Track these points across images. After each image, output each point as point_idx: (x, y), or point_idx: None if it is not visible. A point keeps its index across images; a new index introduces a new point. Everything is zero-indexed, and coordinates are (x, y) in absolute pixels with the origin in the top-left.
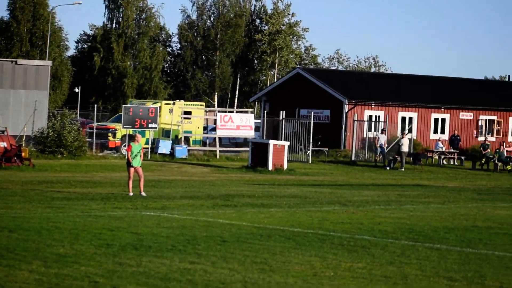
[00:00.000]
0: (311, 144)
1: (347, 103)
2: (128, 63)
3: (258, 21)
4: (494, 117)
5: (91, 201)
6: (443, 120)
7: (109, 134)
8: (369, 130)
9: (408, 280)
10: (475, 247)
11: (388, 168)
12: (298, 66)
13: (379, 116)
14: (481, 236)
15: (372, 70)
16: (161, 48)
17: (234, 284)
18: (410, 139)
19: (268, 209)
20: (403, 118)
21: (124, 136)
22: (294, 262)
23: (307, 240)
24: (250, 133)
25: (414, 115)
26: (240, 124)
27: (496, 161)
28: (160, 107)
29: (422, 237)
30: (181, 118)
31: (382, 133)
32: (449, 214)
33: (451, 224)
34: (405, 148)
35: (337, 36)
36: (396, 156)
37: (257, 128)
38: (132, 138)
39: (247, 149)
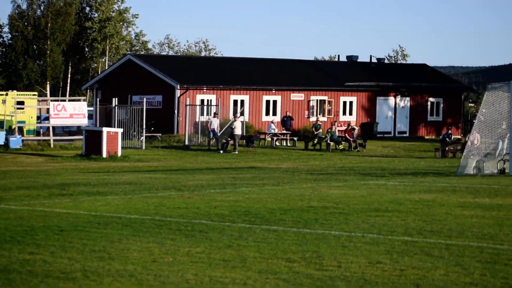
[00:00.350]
0: (144, 130)
1: (178, 88)
2: None
3: (88, 8)
4: (325, 97)
5: None
6: (275, 102)
7: None
8: (202, 114)
9: (247, 262)
10: (312, 227)
11: (221, 151)
12: (129, 52)
13: (211, 100)
14: (317, 216)
15: (203, 54)
16: None
17: (74, 273)
18: (242, 122)
19: (104, 196)
20: (235, 101)
21: None
22: (132, 249)
23: (144, 226)
24: (83, 121)
25: (245, 98)
26: (73, 112)
27: (328, 141)
28: None
29: (259, 219)
30: (14, 108)
31: (214, 116)
32: (284, 196)
33: (286, 206)
34: (237, 131)
35: (167, 21)
36: (229, 139)
37: (90, 116)
38: None
39: (81, 137)
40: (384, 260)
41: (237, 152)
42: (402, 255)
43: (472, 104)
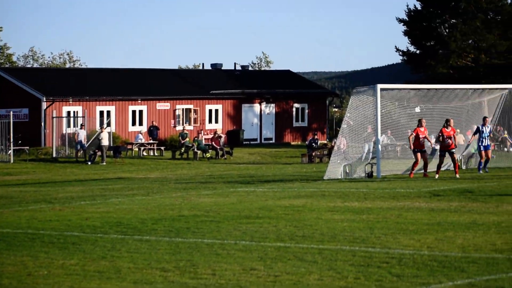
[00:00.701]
0: (11, 143)
1: (45, 100)
2: None
3: None
4: (190, 106)
5: None
6: (141, 112)
7: None
8: (68, 126)
9: (122, 273)
10: (184, 236)
11: (89, 163)
12: None
13: (77, 112)
14: (188, 225)
15: (67, 65)
16: None
17: None
18: (109, 133)
19: None
20: (101, 112)
21: None
22: (7, 263)
23: (17, 240)
24: None
25: (111, 108)
26: None
27: (196, 149)
28: None
29: (131, 229)
30: None
31: (81, 128)
32: (154, 205)
33: (157, 215)
34: (105, 142)
35: (31, 33)
36: (97, 151)
37: None
38: None
39: None
40: (258, 266)
41: (105, 163)
42: (275, 261)
43: (336, 109)
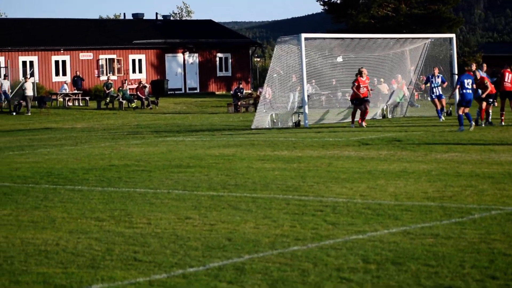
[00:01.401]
0: None
1: None
2: None
3: None
4: (114, 56)
5: None
6: (64, 62)
7: None
8: None
9: (56, 223)
10: (116, 185)
11: (14, 113)
12: None
13: (0, 62)
14: (120, 175)
15: None
16: None
17: None
18: (33, 83)
19: None
20: (24, 63)
21: None
22: None
23: None
24: None
25: (34, 58)
26: None
27: (121, 99)
28: None
29: (62, 179)
30: None
31: (4, 78)
32: (84, 155)
33: (88, 165)
34: (29, 92)
35: None
36: (21, 101)
37: None
38: None
39: None
40: (193, 215)
41: (30, 114)
42: (210, 210)
43: (258, 59)
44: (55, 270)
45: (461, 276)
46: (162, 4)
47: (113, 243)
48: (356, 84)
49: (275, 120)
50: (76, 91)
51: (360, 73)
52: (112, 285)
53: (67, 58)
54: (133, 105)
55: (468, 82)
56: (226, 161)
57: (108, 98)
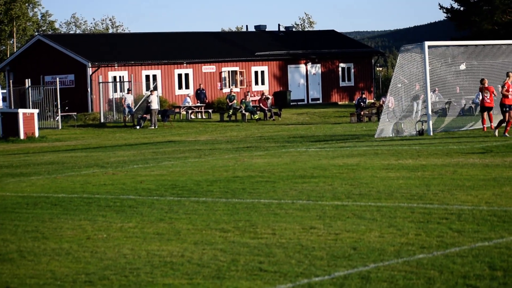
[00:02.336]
0: (59, 109)
1: (90, 66)
2: None
3: None
4: (236, 68)
5: None
6: (187, 75)
7: None
8: (115, 91)
9: (181, 235)
10: (240, 197)
11: (138, 127)
12: (37, 33)
13: (123, 77)
14: (244, 186)
15: (110, 31)
16: None
17: (11, 254)
18: (158, 96)
19: (29, 177)
20: (147, 77)
21: None
22: (65, 227)
23: (73, 204)
24: None
25: (157, 72)
26: None
27: (244, 111)
28: None
29: (186, 191)
30: None
31: (128, 93)
32: (208, 167)
33: (212, 177)
34: (154, 105)
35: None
36: (145, 115)
37: (4, 99)
38: None
39: None
40: (317, 225)
41: (156, 127)
42: (334, 220)
43: (380, 68)
44: (181, 281)
45: None
46: (284, 16)
47: (238, 254)
48: (506, 87)
49: (398, 129)
50: (199, 104)
51: (508, 76)
52: None
53: (190, 71)
54: (256, 116)
55: None
56: (350, 170)
57: (231, 110)
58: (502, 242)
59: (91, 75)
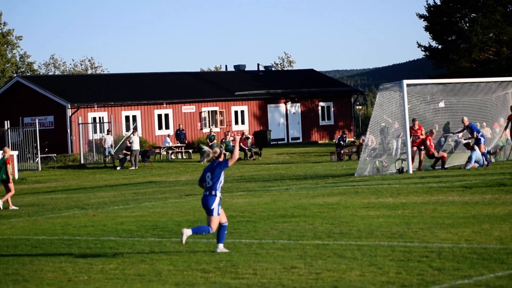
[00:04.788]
0: (39, 151)
1: (69, 107)
2: None
3: None
4: (216, 108)
5: None
6: (167, 115)
7: None
8: (95, 132)
9: (162, 276)
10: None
11: (119, 168)
12: (16, 74)
13: (103, 117)
14: None
15: (89, 72)
16: None
17: None
18: (138, 137)
19: (8, 220)
20: (127, 117)
21: None
22: (46, 270)
23: (54, 246)
24: None
25: (137, 113)
26: None
27: (224, 151)
28: None
29: (167, 232)
30: None
31: (108, 133)
32: (188, 208)
33: (193, 217)
34: (136, 146)
35: (51, 41)
36: (126, 153)
37: None
38: None
39: None
40: (298, 264)
41: (137, 168)
42: (315, 259)
43: (360, 107)
44: None
45: None
46: (263, 55)
47: None
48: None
49: (378, 167)
50: (179, 144)
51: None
52: None
53: (169, 111)
54: None
55: None
56: (330, 209)
57: None
58: (482, 279)
59: (70, 116)
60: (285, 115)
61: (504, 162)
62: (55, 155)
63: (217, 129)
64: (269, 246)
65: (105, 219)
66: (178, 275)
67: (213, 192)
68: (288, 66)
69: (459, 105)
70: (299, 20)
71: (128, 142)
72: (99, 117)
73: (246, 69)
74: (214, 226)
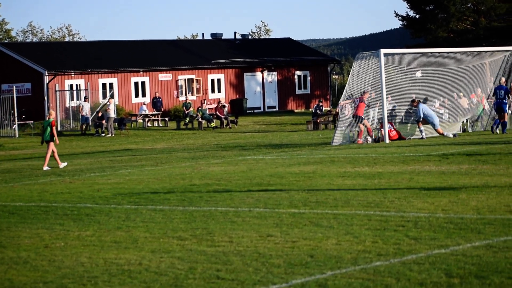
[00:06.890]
0: (16, 118)
1: (47, 74)
2: None
3: None
4: (192, 76)
5: None
6: (143, 83)
7: None
8: (72, 99)
9: (139, 243)
10: (198, 205)
11: (103, 134)
12: None
13: (80, 85)
14: (201, 194)
15: (67, 39)
16: None
17: None
18: (115, 105)
19: None
20: (104, 85)
21: None
22: (23, 236)
23: (31, 213)
24: None
25: (114, 80)
26: None
27: (200, 119)
28: None
29: (143, 200)
30: None
31: (85, 101)
32: (165, 175)
33: (169, 185)
34: (112, 113)
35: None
36: (103, 121)
37: None
38: None
39: None
40: (274, 233)
41: (111, 135)
42: (291, 227)
43: (336, 76)
44: None
45: None
46: (240, 24)
47: (195, 262)
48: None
49: (354, 137)
50: (155, 112)
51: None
52: None
53: (146, 79)
54: (213, 124)
55: None
56: (306, 178)
57: (188, 118)
58: (459, 249)
59: (47, 84)
60: (261, 84)
61: (481, 132)
62: (32, 122)
63: (194, 97)
64: (245, 214)
65: (81, 186)
66: (154, 242)
67: None
68: (265, 34)
69: (435, 75)
70: None
71: (107, 109)
72: (76, 85)
73: (223, 37)
74: None
